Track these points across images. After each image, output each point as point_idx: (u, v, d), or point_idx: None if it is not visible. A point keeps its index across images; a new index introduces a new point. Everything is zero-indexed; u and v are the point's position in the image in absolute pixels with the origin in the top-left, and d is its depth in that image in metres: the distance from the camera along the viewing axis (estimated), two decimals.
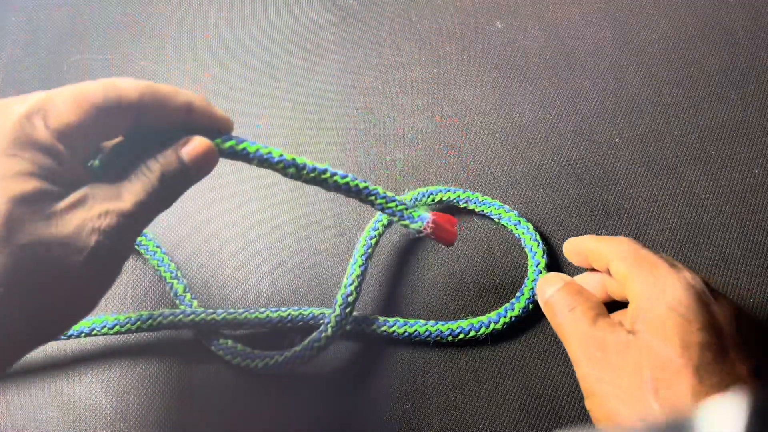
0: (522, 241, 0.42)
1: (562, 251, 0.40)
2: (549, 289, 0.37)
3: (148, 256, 0.42)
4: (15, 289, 0.25)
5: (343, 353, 0.40)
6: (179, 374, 0.39)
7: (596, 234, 0.43)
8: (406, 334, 0.39)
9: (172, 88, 0.29)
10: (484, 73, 0.51)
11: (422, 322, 0.40)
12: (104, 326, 0.39)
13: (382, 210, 0.36)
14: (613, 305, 0.37)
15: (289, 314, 0.40)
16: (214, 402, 0.39)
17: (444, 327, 0.39)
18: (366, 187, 0.34)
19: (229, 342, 0.39)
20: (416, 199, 0.43)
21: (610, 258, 0.35)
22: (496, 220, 0.43)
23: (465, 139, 0.48)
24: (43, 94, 0.27)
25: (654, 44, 0.52)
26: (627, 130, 0.48)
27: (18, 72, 0.51)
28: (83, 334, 0.39)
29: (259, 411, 0.38)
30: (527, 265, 0.42)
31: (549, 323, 0.36)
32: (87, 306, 0.28)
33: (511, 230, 0.43)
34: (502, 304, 0.41)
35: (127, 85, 0.28)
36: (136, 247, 0.42)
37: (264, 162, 0.31)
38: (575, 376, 0.34)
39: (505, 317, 0.40)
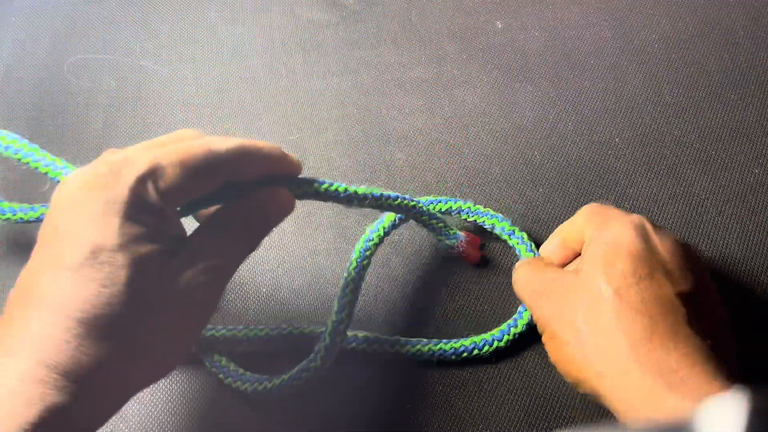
0: (517, 252, 0.42)
1: None
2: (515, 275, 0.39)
3: None
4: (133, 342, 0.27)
5: (342, 357, 0.40)
6: (180, 376, 0.39)
7: None
8: (409, 354, 0.38)
9: (256, 145, 0.31)
10: (484, 73, 0.51)
11: (425, 341, 0.39)
12: None
13: (425, 225, 0.40)
14: None
15: (290, 332, 0.39)
16: (215, 403, 0.39)
17: (447, 346, 0.39)
18: (414, 205, 0.39)
19: (223, 360, 0.38)
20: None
21: (580, 223, 0.37)
22: (489, 230, 0.42)
23: (465, 139, 0.48)
24: (149, 156, 0.28)
25: (654, 44, 0.52)
26: (627, 130, 0.48)
27: (18, 72, 0.51)
28: None
29: (258, 411, 0.38)
30: None
31: None
32: (188, 345, 0.31)
33: (506, 240, 0.42)
34: (505, 320, 0.40)
35: (221, 146, 0.30)
36: None
37: (332, 197, 0.35)
38: None
39: (508, 334, 0.39)
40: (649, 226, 0.34)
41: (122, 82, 0.51)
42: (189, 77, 0.51)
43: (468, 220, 0.42)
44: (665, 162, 0.46)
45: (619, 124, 0.48)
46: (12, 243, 0.43)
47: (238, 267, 0.31)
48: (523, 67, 0.51)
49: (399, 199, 0.38)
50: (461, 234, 0.41)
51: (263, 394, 0.37)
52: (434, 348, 0.39)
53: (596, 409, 0.38)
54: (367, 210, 0.38)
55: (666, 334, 0.30)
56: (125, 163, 0.28)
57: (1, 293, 0.42)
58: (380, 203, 0.37)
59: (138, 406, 0.38)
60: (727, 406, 0.19)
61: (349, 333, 0.39)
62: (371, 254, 0.39)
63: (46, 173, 0.38)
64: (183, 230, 0.30)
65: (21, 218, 0.40)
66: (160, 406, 0.38)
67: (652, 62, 0.51)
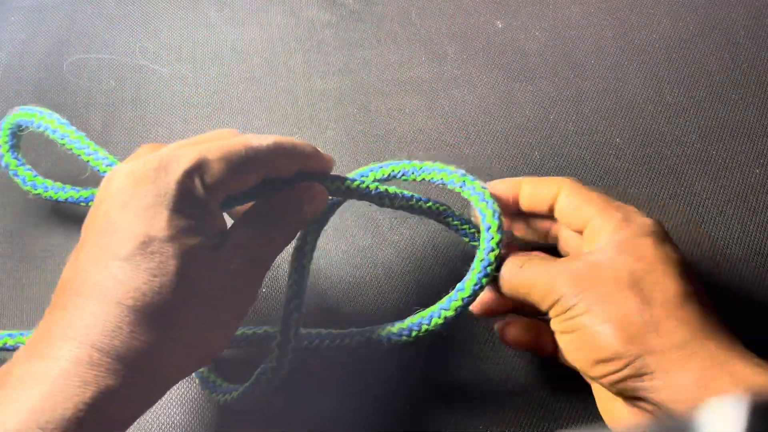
0: (471, 204, 0.36)
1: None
2: (503, 273, 0.35)
3: None
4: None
5: (340, 355, 0.40)
6: None
7: None
8: (356, 342, 0.36)
9: (291, 141, 0.33)
10: (484, 73, 0.51)
11: (372, 328, 0.36)
12: None
13: (456, 231, 0.38)
14: None
15: (265, 331, 0.37)
16: (215, 404, 0.39)
17: (394, 328, 0.35)
18: (445, 210, 0.37)
19: (205, 371, 0.37)
20: (363, 175, 0.38)
21: (558, 194, 0.35)
22: (440, 185, 0.37)
23: (465, 139, 0.48)
24: (195, 152, 0.29)
25: (655, 44, 0.52)
26: (627, 130, 0.48)
27: (17, 72, 0.51)
28: None
29: (258, 411, 0.38)
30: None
31: None
32: (230, 334, 0.32)
33: (459, 193, 0.37)
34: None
35: (260, 143, 0.31)
36: None
37: (363, 195, 0.35)
38: (576, 376, 0.34)
39: (456, 300, 0.34)
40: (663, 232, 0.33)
41: (122, 82, 0.51)
42: (189, 77, 0.51)
43: (417, 180, 0.37)
44: (666, 162, 0.46)
45: (620, 123, 0.48)
46: (12, 241, 0.43)
47: (275, 258, 0.32)
48: (523, 67, 0.51)
49: (430, 203, 0.37)
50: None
51: (233, 404, 0.36)
52: (382, 333, 0.36)
53: (596, 410, 0.37)
54: (366, 210, 0.38)
55: (724, 331, 0.30)
56: (173, 158, 0.29)
57: (5, 290, 0.42)
58: (411, 204, 0.36)
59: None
60: (728, 406, 0.19)
61: (313, 331, 0.37)
62: (313, 240, 0.36)
63: (88, 162, 0.39)
64: (225, 224, 0.32)
65: (71, 197, 0.41)
66: (156, 409, 0.38)
67: (652, 62, 0.51)
